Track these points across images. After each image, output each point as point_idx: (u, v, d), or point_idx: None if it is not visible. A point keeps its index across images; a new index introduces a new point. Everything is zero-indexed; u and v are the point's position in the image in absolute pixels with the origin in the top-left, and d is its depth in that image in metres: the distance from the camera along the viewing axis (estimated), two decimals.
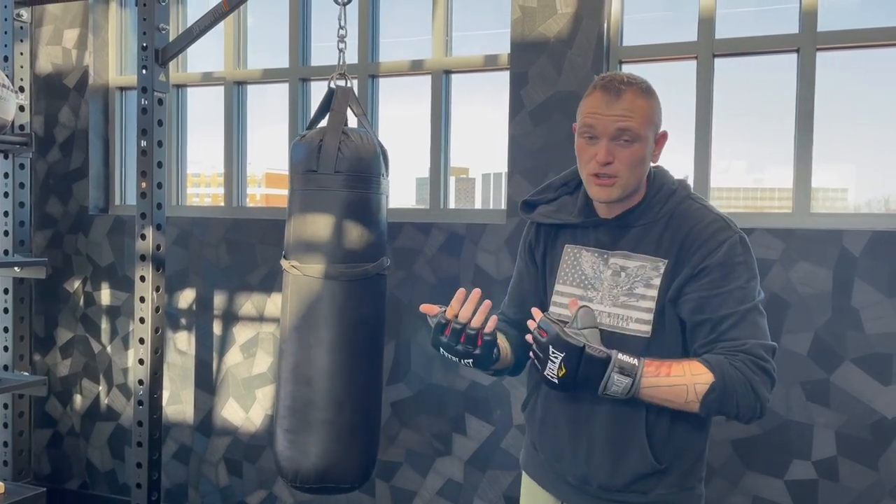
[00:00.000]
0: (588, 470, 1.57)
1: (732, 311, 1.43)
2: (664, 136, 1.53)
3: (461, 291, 1.46)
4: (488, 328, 1.45)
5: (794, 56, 2.64)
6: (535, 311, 1.48)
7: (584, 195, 1.57)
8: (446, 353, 1.50)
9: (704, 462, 1.61)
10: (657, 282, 1.48)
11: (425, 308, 1.52)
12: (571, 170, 1.63)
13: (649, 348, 1.48)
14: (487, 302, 1.45)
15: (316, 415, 2.42)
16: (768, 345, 1.43)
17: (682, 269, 1.47)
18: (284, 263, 2.50)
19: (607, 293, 1.53)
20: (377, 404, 2.57)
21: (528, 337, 1.48)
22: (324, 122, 2.54)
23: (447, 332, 1.47)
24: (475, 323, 1.44)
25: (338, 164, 2.40)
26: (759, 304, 1.46)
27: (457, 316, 1.45)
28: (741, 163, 2.92)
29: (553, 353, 1.39)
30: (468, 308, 1.45)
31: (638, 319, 1.50)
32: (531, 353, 1.46)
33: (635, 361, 1.39)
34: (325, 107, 2.55)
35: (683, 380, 1.39)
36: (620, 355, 1.39)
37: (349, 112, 2.54)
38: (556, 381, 1.41)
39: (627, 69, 2.88)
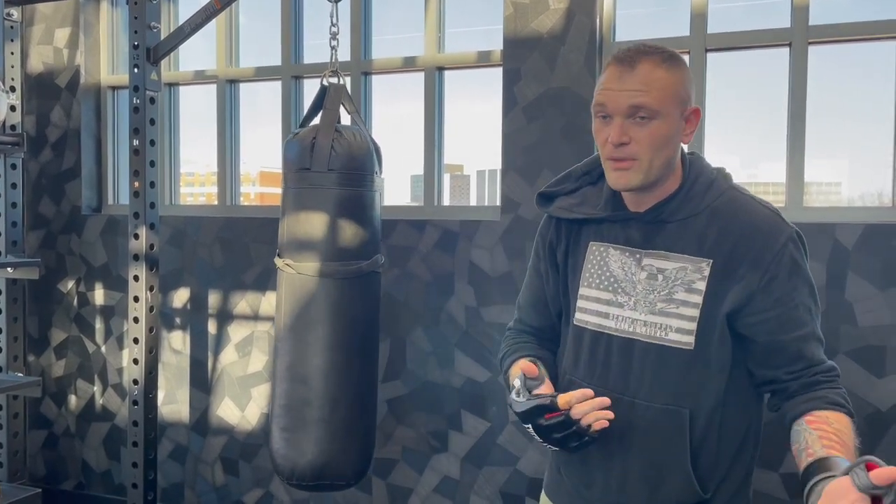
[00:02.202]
0: (619, 496, 1.39)
1: (809, 328, 1.30)
2: (696, 112, 1.32)
3: (585, 392, 1.27)
4: (597, 426, 1.27)
5: (786, 50, 2.65)
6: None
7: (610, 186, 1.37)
8: (534, 433, 1.33)
9: (751, 483, 1.43)
10: (701, 286, 1.30)
11: (527, 369, 1.35)
12: (594, 157, 1.44)
13: (693, 362, 1.32)
14: (606, 400, 1.27)
15: (311, 413, 2.42)
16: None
17: (735, 273, 1.29)
18: (278, 262, 2.50)
19: (642, 299, 1.34)
20: (373, 402, 2.58)
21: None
22: (317, 120, 2.53)
23: (548, 417, 1.27)
24: (586, 422, 1.26)
25: (331, 161, 2.40)
26: (818, 303, 1.35)
27: (569, 410, 1.27)
28: (734, 157, 2.93)
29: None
30: (585, 408, 1.26)
31: (679, 329, 1.31)
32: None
33: (836, 450, 1.17)
34: (318, 104, 2.55)
35: (850, 438, 1.22)
36: (859, 469, 1.02)
37: (342, 109, 2.54)
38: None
39: None
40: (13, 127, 3.19)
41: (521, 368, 1.35)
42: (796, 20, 2.60)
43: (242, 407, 3.34)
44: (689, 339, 1.31)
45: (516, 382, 1.36)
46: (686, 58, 2.75)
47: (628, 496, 1.38)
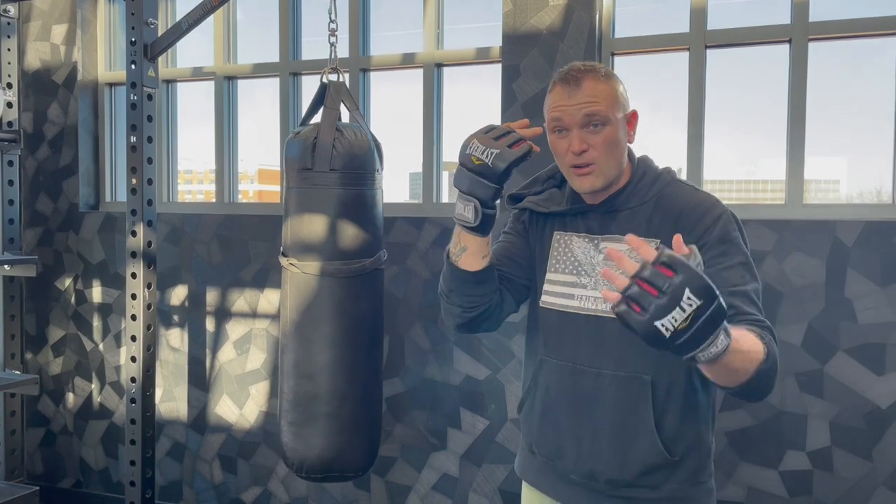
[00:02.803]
0: (594, 464, 1.49)
1: (740, 288, 1.38)
2: (635, 115, 1.51)
3: (525, 121, 1.46)
4: (530, 133, 1.42)
5: (785, 47, 2.64)
6: (634, 240, 1.13)
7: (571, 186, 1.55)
8: (474, 148, 1.39)
9: (712, 455, 1.56)
10: None
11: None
12: (554, 164, 1.61)
13: None
14: (537, 129, 1.44)
15: (319, 408, 2.46)
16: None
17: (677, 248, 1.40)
18: (283, 261, 2.51)
19: (601, 278, 1.49)
20: (378, 396, 2.61)
21: (612, 295, 1.12)
22: (317, 118, 2.53)
23: (491, 133, 1.40)
24: (523, 133, 1.42)
25: (333, 161, 2.41)
26: (759, 281, 1.43)
27: (507, 126, 1.43)
28: (734, 154, 2.92)
29: (688, 299, 1.06)
30: (522, 124, 1.44)
31: None
32: (625, 300, 1.10)
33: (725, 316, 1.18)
34: (318, 102, 2.54)
35: (750, 347, 1.24)
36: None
37: (342, 107, 2.53)
38: (667, 334, 1.08)
39: (619, 61, 2.87)
40: (10, 124, 3.18)
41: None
42: (796, 16, 2.60)
43: (241, 405, 3.34)
44: None
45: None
46: (685, 54, 2.74)
47: (600, 460, 1.48)
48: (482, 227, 1.44)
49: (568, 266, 1.54)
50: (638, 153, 1.59)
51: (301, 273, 2.46)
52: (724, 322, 1.11)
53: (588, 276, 1.51)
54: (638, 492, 1.49)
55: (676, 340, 1.09)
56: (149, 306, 2.97)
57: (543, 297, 1.57)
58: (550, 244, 1.58)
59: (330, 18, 2.59)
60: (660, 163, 1.59)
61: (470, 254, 1.50)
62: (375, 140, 2.55)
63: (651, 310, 1.07)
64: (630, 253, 1.31)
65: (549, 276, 1.57)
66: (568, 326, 1.52)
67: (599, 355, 1.47)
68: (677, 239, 1.16)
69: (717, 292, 1.09)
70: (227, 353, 3.36)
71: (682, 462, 1.48)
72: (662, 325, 1.08)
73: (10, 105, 3.16)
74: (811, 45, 2.59)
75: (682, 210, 1.46)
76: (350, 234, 2.45)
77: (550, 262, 1.57)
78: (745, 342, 1.22)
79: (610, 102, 1.44)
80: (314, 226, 2.44)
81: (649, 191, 1.51)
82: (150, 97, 2.93)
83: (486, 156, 1.38)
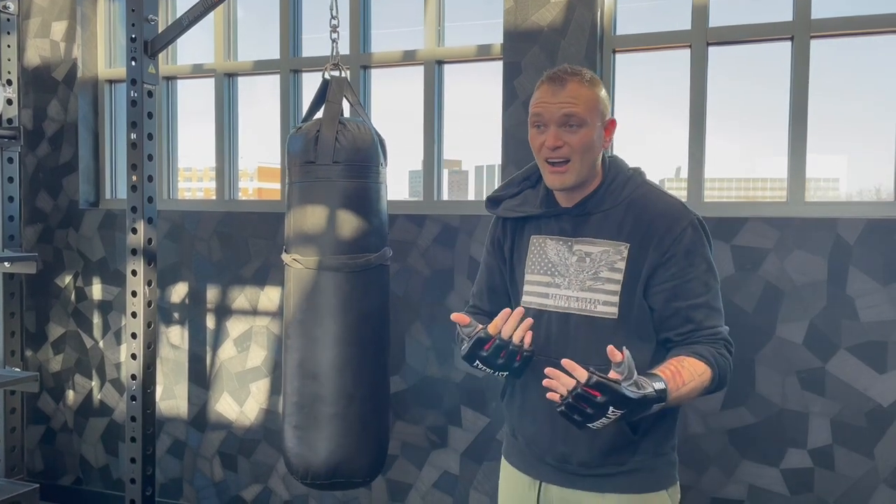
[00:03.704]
0: (566, 448, 1.61)
1: (703, 299, 1.54)
2: (613, 123, 1.60)
3: (506, 311, 1.52)
4: (527, 343, 1.51)
5: (787, 44, 2.64)
6: (570, 364, 1.37)
7: (546, 187, 1.64)
8: (482, 366, 1.55)
9: (676, 430, 1.67)
10: (621, 265, 1.56)
11: (457, 318, 1.57)
12: (532, 164, 1.70)
13: (617, 329, 1.55)
14: (529, 320, 1.52)
15: (324, 409, 2.39)
16: (727, 328, 1.58)
17: (646, 253, 1.54)
18: (286, 257, 2.47)
19: (574, 278, 1.59)
20: (386, 396, 2.54)
21: (553, 395, 1.40)
22: (320, 114, 2.51)
23: (487, 348, 1.51)
24: (517, 339, 1.51)
25: (336, 154, 2.37)
26: (718, 283, 1.58)
27: (499, 333, 1.51)
28: (735, 152, 2.92)
29: (612, 411, 1.35)
30: (510, 325, 1.50)
31: (605, 302, 1.56)
32: (564, 406, 1.38)
33: (664, 385, 1.40)
34: (321, 98, 2.53)
35: (694, 382, 1.46)
36: (655, 383, 1.39)
37: (345, 102, 2.52)
38: (600, 427, 1.39)
39: (621, 58, 2.87)
40: (10, 121, 3.17)
41: (454, 319, 1.57)
42: (798, 14, 2.59)
43: (241, 402, 3.33)
44: (613, 310, 1.56)
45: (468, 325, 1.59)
46: (687, 51, 2.74)
47: (572, 445, 1.61)
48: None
49: (543, 267, 1.65)
50: (632, 151, 1.64)
51: (304, 269, 2.41)
52: (654, 403, 1.38)
53: (562, 277, 1.61)
54: (606, 468, 1.61)
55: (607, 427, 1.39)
56: (149, 303, 2.96)
57: (524, 297, 1.67)
58: (528, 247, 1.68)
59: (331, 15, 2.58)
60: (635, 161, 1.67)
61: None
62: (379, 134, 2.53)
63: (583, 418, 1.36)
64: (602, 255, 1.58)
65: (527, 276, 1.67)
66: (542, 323, 1.62)
67: (569, 349, 1.57)
68: (611, 349, 1.36)
69: (641, 396, 1.35)
70: (227, 350, 3.35)
71: (644, 437, 1.59)
72: (594, 425, 1.37)
73: (9, 102, 3.15)
74: (813, 42, 2.59)
75: (652, 218, 1.56)
76: (355, 227, 2.40)
77: (528, 264, 1.67)
78: (687, 385, 1.45)
79: (589, 107, 1.53)
80: (317, 219, 2.40)
81: (620, 194, 1.60)
82: (150, 94, 2.92)
83: (499, 375, 1.58)
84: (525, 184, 1.73)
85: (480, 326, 1.55)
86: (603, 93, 1.58)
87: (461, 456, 2.98)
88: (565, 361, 1.37)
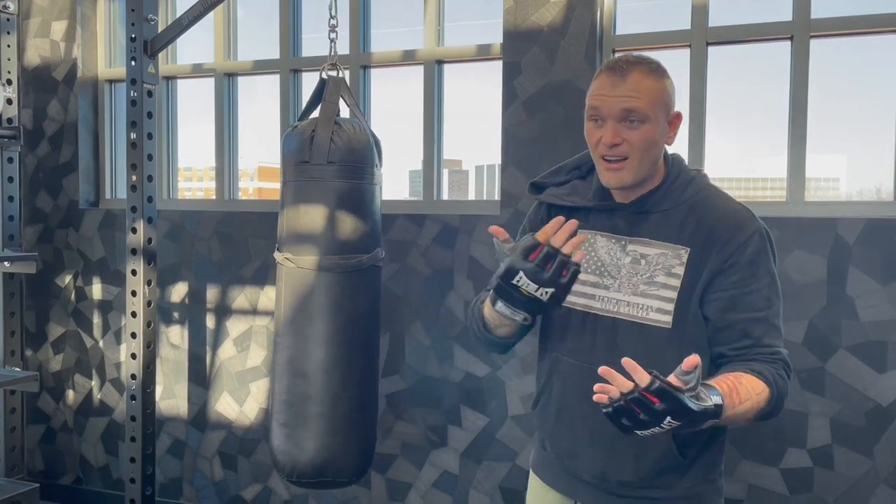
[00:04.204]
0: (607, 466, 1.49)
1: (763, 314, 1.41)
2: (678, 117, 1.47)
3: (559, 218, 1.32)
4: (578, 258, 1.32)
5: (787, 44, 2.64)
6: (631, 365, 1.22)
7: (598, 179, 1.49)
8: (524, 283, 1.32)
9: (723, 454, 1.56)
10: (679, 270, 1.42)
11: (495, 230, 1.37)
12: (584, 154, 1.57)
13: (670, 339, 1.42)
14: (582, 235, 1.36)
15: (312, 408, 2.41)
16: (785, 350, 1.44)
17: (707, 259, 1.41)
18: (278, 256, 2.49)
19: (626, 281, 1.46)
20: (374, 396, 2.56)
21: (602, 397, 1.24)
22: (316, 113, 2.51)
23: (533, 257, 1.30)
24: (567, 250, 1.30)
25: (330, 154, 2.38)
26: (781, 300, 1.45)
27: (548, 241, 1.31)
28: (735, 151, 2.92)
29: (669, 422, 1.20)
30: (563, 234, 1.30)
31: (659, 309, 1.43)
32: (612, 408, 1.22)
33: (721, 401, 1.26)
34: (317, 97, 2.53)
35: (751, 402, 1.33)
36: (713, 397, 1.24)
37: (342, 103, 2.52)
38: (651, 436, 1.24)
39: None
40: (10, 120, 3.17)
41: (492, 231, 1.37)
42: (798, 13, 2.59)
43: (241, 402, 3.33)
44: (668, 319, 1.43)
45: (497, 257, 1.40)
46: (686, 51, 2.74)
47: (614, 463, 1.48)
48: (532, 324, 1.44)
49: (591, 265, 1.50)
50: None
51: (296, 268, 2.42)
52: (709, 417, 1.22)
53: (612, 278, 1.48)
54: (650, 492, 1.49)
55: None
56: (149, 303, 2.97)
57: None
58: None
59: (330, 14, 2.59)
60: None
61: (510, 327, 1.47)
62: (374, 136, 2.54)
63: (633, 423, 1.20)
64: (659, 258, 1.44)
65: None
66: (587, 327, 1.49)
67: (614, 357, 1.37)
68: (691, 360, 1.19)
69: (701, 408, 1.20)
70: (227, 350, 3.35)
71: (694, 461, 1.48)
72: (642, 433, 1.22)
73: (9, 102, 3.15)
74: (813, 42, 2.59)
75: (716, 223, 1.43)
76: (347, 227, 2.41)
77: None
78: (745, 403, 1.30)
79: (652, 100, 1.39)
80: (310, 219, 2.41)
81: (683, 193, 1.47)
82: (150, 94, 2.92)
83: (540, 293, 1.32)
84: (574, 173, 1.59)
85: (527, 236, 1.35)
86: (669, 84, 1.44)
87: (461, 455, 2.98)
88: (626, 361, 1.21)
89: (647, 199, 1.47)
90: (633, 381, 1.19)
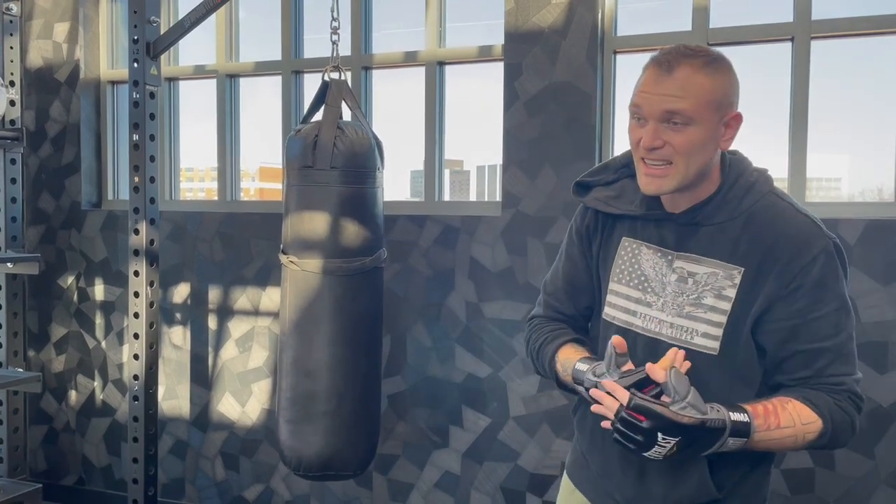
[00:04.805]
0: (638, 493, 1.40)
1: (830, 343, 1.27)
2: (737, 117, 1.31)
3: (674, 351, 1.25)
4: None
5: (788, 45, 2.64)
6: (611, 385, 1.19)
7: None
8: (662, 441, 1.19)
9: (768, 485, 1.43)
10: (731, 293, 1.29)
11: (619, 343, 1.27)
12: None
13: (716, 366, 1.30)
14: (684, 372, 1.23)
15: (317, 406, 2.46)
16: (860, 377, 1.31)
17: (765, 281, 1.27)
18: (283, 259, 2.51)
19: (670, 301, 1.33)
20: (377, 394, 2.61)
21: (606, 423, 1.21)
22: (319, 116, 2.53)
23: (648, 391, 1.20)
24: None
25: (333, 159, 2.41)
26: (853, 322, 1.30)
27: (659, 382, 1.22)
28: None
29: (663, 439, 1.15)
30: (663, 373, 1.20)
31: (705, 334, 1.30)
32: (616, 433, 1.19)
33: (746, 418, 1.19)
34: (320, 100, 2.54)
35: (794, 429, 1.23)
36: (732, 415, 1.19)
37: (343, 105, 2.53)
38: (660, 457, 1.18)
39: (622, 59, 2.87)
40: (13, 122, 3.18)
41: (614, 342, 1.27)
42: (799, 14, 2.59)
43: (243, 402, 3.34)
44: (715, 345, 1.30)
45: (581, 366, 1.33)
46: None
47: (645, 491, 1.39)
48: None
49: (634, 279, 1.38)
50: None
51: (301, 271, 2.46)
52: (725, 435, 1.18)
53: (655, 295, 1.35)
54: None
55: (676, 456, 1.18)
56: (151, 304, 2.97)
57: (606, 309, 1.43)
58: (617, 250, 1.42)
59: (332, 16, 2.59)
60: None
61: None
62: (376, 138, 2.55)
63: (635, 446, 1.17)
64: (709, 278, 1.30)
65: (612, 285, 1.42)
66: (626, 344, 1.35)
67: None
68: (650, 367, 1.19)
69: (697, 422, 1.15)
70: (229, 350, 3.36)
71: (730, 496, 1.37)
72: (650, 454, 1.18)
73: (12, 103, 3.16)
74: (813, 43, 2.59)
75: (776, 239, 1.27)
76: (350, 232, 2.45)
77: (615, 270, 1.41)
78: (783, 429, 1.22)
79: (702, 100, 1.23)
80: (314, 223, 2.45)
81: (740, 204, 1.31)
82: (152, 95, 2.93)
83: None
84: (624, 171, 1.43)
85: (631, 365, 1.26)
86: (727, 80, 1.27)
87: (462, 456, 2.98)
88: (606, 382, 1.18)
89: (699, 209, 1.32)
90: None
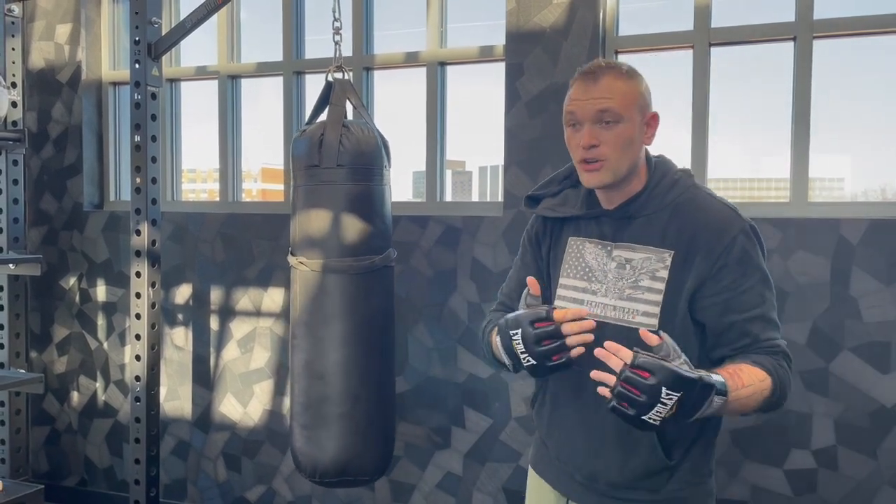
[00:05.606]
0: (596, 467, 1.54)
1: (759, 311, 1.43)
2: (655, 117, 1.50)
3: (582, 310, 1.42)
4: (575, 353, 1.39)
5: (790, 44, 2.63)
6: (612, 345, 1.29)
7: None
8: (517, 342, 1.41)
9: (713, 455, 1.57)
10: (664, 274, 1.45)
11: (531, 282, 1.48)
12: (573, 163, 1.60)
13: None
14: (590, 336, 1.39)
15: (331, 409, 2.42)
16: (784, 341, 1.47)
17: (693, 262, 1.43)
18: (292, 260, 2.50)
19: (612, 286, 1.49)
20: (391, 396, 2.57)
21: (603, 390, 1.29)
22: (323, 116, 2.52)
23: (540, 325, 1.39)
24: (571, 341, 1.39)
25: (340, 157, 2.39)
26: (774, 293, 1.47)
27: (560, 325, 1.39)
28: (738, 152, 2.91)
29: (667, 395, 1.22)
30: (575, 327, 1.38)
31: (645, 312, 1.45)
32: (614, 398, 1.26)
33: (723, 378, 1.29)
34: (324, 100, 2.54)
35: (754, 388, 1.35)
36: (713, 375, 1.28)
37: (348, 104, 2.53)
38: (657, 422, 1.25)
39: (623, 59, 2.86)
40: (14, 123, 3.18)
41: (528, 282, 1.47)
42: (801, 14, 2.59)
43: (245, 403, 3.34)
44: (654, 322, 1.45)
45: (519, 306, 1.50)
46: (689, 52, 2.74)
47: (602, 464, 1.53)
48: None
49: (580, 272, 1.54)
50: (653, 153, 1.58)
51: (310, 271, 2.44)
52: (713, 392, 1.26)
53: (599, 283, 1.51)
54: (637, 493, 1.52)
55: (667, 423, 1.25)
56: (153, 305, 2.97)
57: (556, 302, 1.57)
58: (565, 249, 1.58)
59: (334, 17, 2.59)
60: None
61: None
62: (382, 137, 2.54)
63: (636, 407, 1.23)
64: (644, 262, 1.47)
65: (562, 280, 1.57)
66: None
67: (603, 362, 1.40)
68: (643, 333, 1.30)
69: (696, 376, 1.24)
70: (231, 351, 3.36)
71: (681, 463, 1.51)
72: (650, 418, 1.24)
73: (14, 104, 3.17)
74: (816, 42, 2.58)
75: (699, 225, 1.44)
76: (359, 230, 2.43)
77: (564, 266, 1.57)
78: (747, 388, 1.34)
79: (626, 100, 1.42)
80: (322, 223, 2.42)
81: (666, 197, 1.49)
82: (153, 96, 2.93)
83: (524, 359, 1.41)
84: (566, 182, 1.63)
85: (546, 306, 1.44)
86: (643, 85, 1.47)
87: (464, 457, 2.98)
88: (608, 343, 1.28)
89: (630, 204, 1.50)
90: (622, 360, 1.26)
